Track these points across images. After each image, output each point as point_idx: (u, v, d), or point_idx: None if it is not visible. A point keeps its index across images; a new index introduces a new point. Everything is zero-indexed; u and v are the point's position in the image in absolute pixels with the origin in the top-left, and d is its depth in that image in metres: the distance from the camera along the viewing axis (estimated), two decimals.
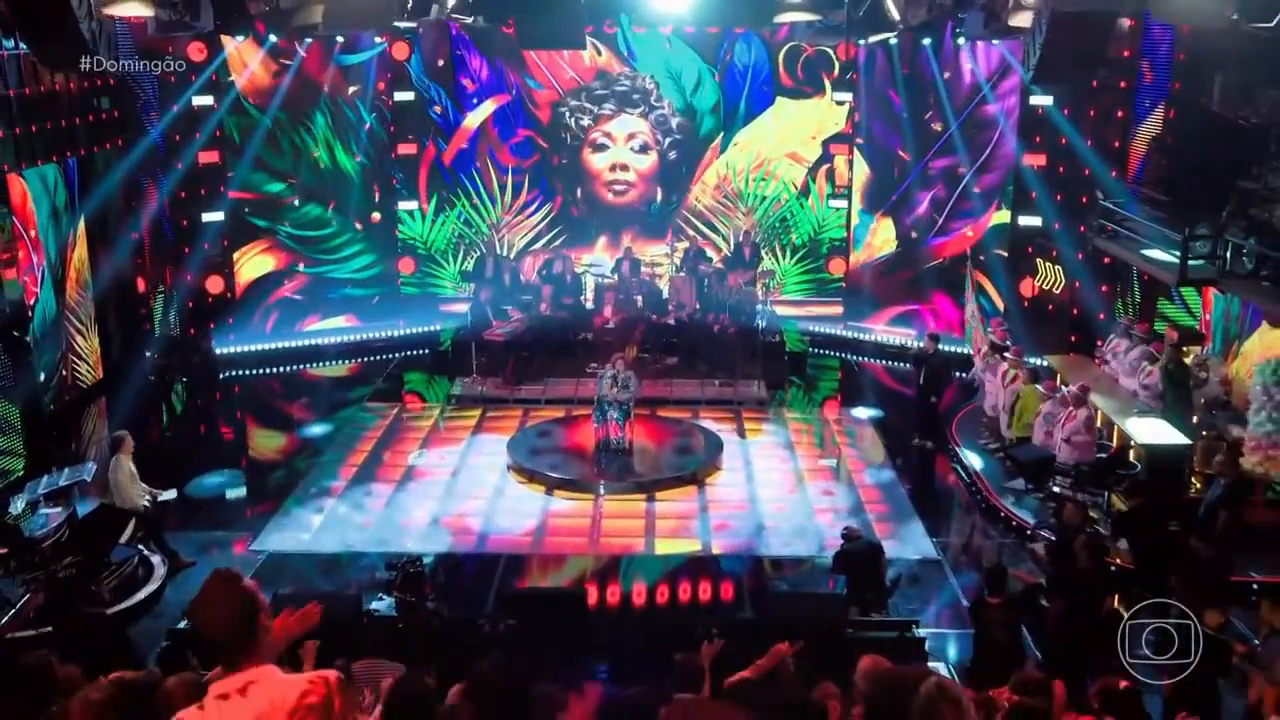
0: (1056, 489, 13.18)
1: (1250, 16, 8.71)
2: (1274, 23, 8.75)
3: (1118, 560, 11.31)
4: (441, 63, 20.00)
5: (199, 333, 17.50)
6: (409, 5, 10.43)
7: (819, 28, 13.18)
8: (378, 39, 18.92)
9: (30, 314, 14.86)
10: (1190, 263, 13.32)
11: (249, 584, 3.57)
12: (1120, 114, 17.08)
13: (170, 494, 12.30)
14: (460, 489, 14.39)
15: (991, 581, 9.46)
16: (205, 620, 3.40)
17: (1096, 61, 9.31)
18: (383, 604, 10.56)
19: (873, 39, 14.70)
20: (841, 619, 10.15)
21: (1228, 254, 12.87)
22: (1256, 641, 8.37)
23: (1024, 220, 18.16)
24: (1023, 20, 9.60)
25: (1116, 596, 10.30)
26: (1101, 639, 7.61)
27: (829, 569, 11.33)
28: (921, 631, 10.32)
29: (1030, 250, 18.36)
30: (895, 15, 10.20)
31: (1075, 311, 17.68)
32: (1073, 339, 17.54)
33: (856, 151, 20.19)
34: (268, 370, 19.00)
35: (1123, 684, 5.71)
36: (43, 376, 15.08)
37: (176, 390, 16.54)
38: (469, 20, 12.92)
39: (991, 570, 9.58)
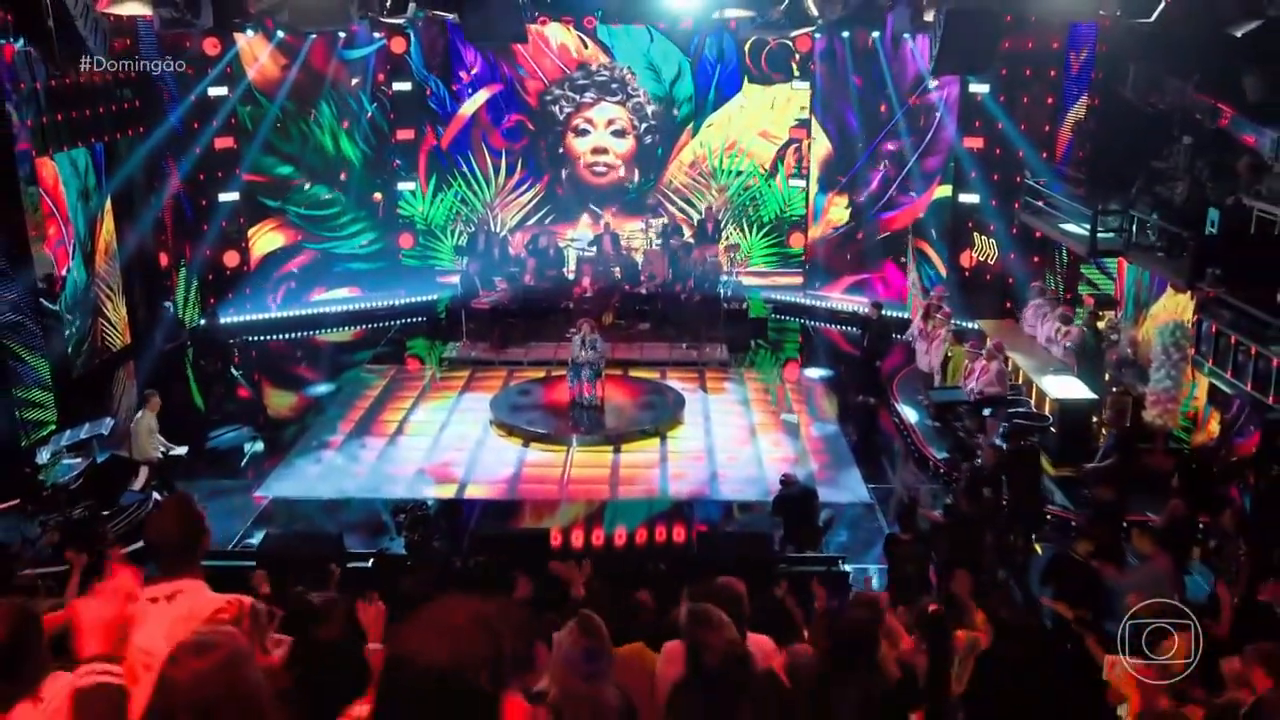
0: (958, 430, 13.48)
1: (1131, 13, 8.82)
2: (1152, 17, 8.86)
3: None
4: (438, 55, 20.06)
5: (208, 310, 17.65)
6: (378, 5, 10.45)
7: (760, 23, 13.23)
8: (376, 35, 18.97)
9: (61, 284, 15.03)
10: (1101, 235, 13.54)
11: (200, 510, 3.75)
12: (1050, 100, 17.17)
13: (181, 450, 12.55)
14: (446, 442, 14.64)
15: (902, 520, 9.72)
16: (158, 530, 3.53)
17: (988, 56, 9.41)
18: (394, 544, 10.90)
19: (797, 32, 14.58)
20: (774, 555, 10.42)
21: (1133, 228, 13.04)
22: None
23: (963, 198, 18.28)
24: (931, 17, 9.75)
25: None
26: (978, 571, 7.87)
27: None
28: (848, 566, 10.63)
29: (970, 225, 18.49)
30: (814, 11, 10.28)
31: (1010, 281, 17.84)
32: (1007, 305, 17.71)
33: (816, 134, 20.22)
34: (278, 336, 19.20)
35: (933, 607, 5.94)
36: (73, 340, 15.28)
37: (189, 360, 16.74)
38: (450, 16, 12.91)
39: (902, 511, 9.83)
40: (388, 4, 10.80)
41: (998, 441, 11.19)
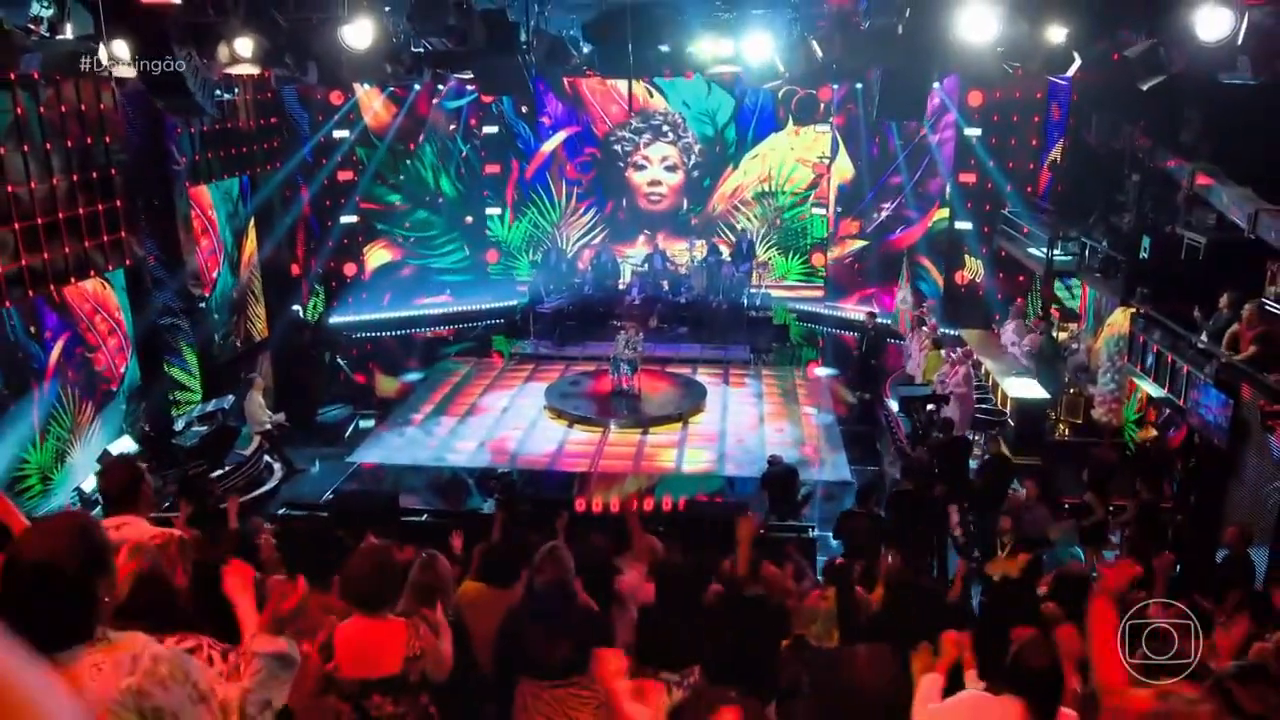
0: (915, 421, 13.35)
1: (1051, 70, 8.71)
2: (1070, 72, 8.74)
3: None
4: (525, 108, 20.51)
5: (329, 310, 18.37)
6: (409, 66, 10.71)
7: (751, 79, 13.17)
8: (469, 89, 19.46)
9: (211, 287, 15.86)
10: (1060, 259, 13.29)
11: (140, 466, 4.15)
12: (1034, 143, 16.88)
13: (280, 416, 13.18)
14: (505, 421, 15.05)
15: (860, 496, 9.73)
16: (107, 480, 4.02)
17: (918, 106, 9.38)
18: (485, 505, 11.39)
19: (766, 84, 14.41)
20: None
21: (1085, 252, 12.79)
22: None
23: (958, 225, 18.00)
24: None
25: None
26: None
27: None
28: (817, 534, 10.66)
29: (963, 248, 18.21)
30: (781, 68, 10.34)
31: (999, 297, 17.52)
32: (995, 318, 17.39)
33: (842, 165, 20.03)
34: (385, 333, 19.83)
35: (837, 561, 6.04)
36: (219, 333, 16.08)
37: (311, 351, 17.43)
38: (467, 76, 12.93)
39: (861, 489, 9.85)
40: (409, 66, 10.99)
41: (936, 435, 11.09)
